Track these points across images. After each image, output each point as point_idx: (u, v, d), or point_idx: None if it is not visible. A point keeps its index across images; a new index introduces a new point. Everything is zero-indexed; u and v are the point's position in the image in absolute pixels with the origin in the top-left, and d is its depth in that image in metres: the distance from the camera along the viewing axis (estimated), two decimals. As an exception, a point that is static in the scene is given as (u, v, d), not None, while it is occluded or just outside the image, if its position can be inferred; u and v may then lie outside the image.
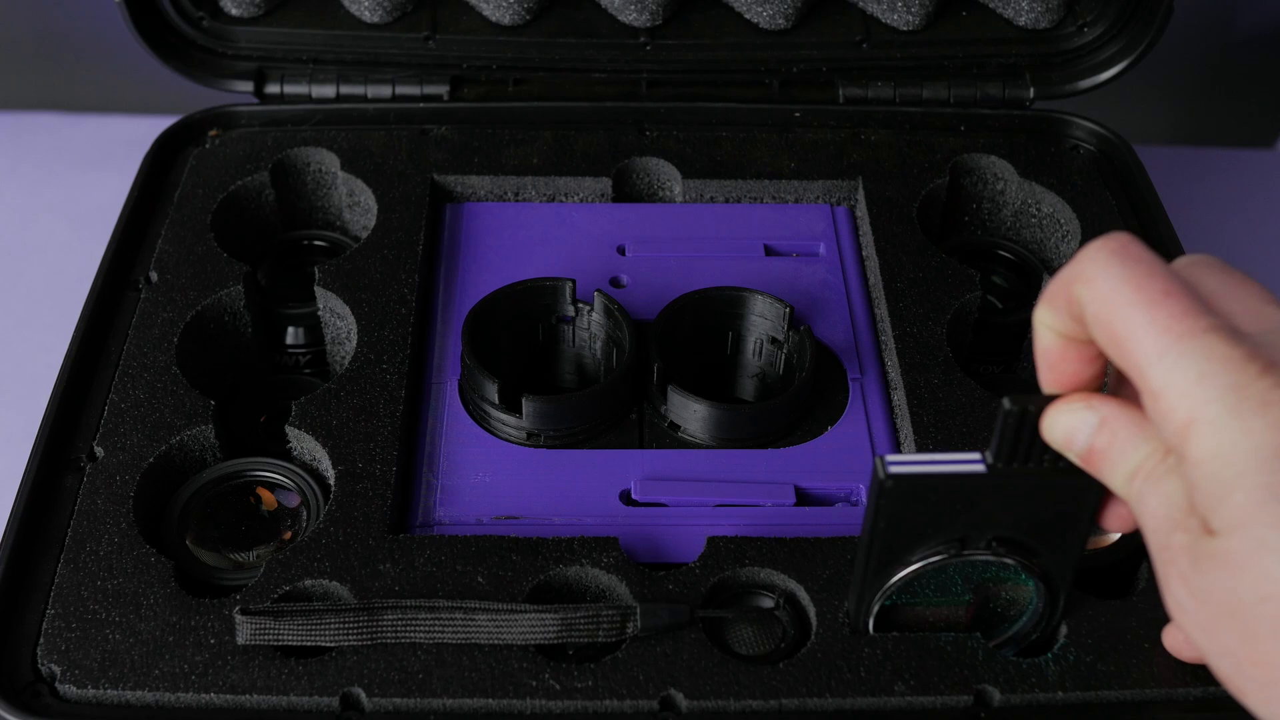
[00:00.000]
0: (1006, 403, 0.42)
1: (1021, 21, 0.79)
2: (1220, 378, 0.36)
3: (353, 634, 0.51)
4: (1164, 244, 0.70)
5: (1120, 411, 0.41)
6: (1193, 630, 0.39)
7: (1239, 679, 0.38)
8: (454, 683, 0.51)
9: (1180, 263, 0.41)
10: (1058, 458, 0.43)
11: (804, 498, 0.60)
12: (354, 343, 0.64)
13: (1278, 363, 0.37)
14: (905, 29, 0.79)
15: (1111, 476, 0.41)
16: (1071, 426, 0.42)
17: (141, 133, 0.80)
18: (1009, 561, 0.48)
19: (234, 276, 0.68)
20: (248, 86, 0.78)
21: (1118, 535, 0.57)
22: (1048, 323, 0.42)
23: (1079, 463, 0.42)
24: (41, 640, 0.52)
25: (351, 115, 0.78)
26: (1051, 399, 0.42)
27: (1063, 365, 0.42)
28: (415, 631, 0.51)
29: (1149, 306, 0.38)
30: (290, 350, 0.71)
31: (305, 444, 0.61)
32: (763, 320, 0.65)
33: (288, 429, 0.61)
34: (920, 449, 0.60)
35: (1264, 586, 0.36)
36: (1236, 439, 0.36)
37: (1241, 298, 0.40)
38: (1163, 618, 0.52)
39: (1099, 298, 0.39)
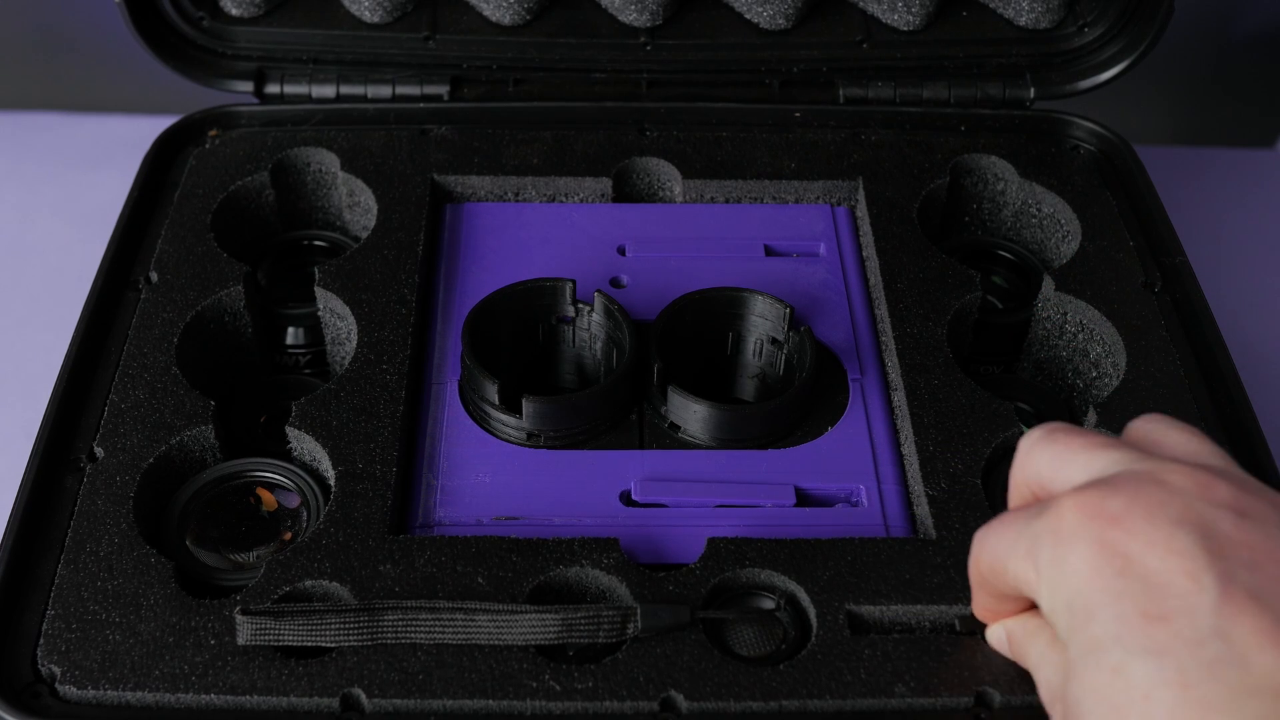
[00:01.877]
0: (957, 624, 0.53)
1: (1022, 21, 0.79)
2: (1043, 525, 0.41)
3: (353, 634, 0.51)
4: (1164, 244, 0.70)
5: (1019, 625, 0.49)
6: None
7: None
8: (454, 683, 0.51)
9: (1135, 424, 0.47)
10: None
11: (804, 498, 0.60)
12: (354, 343, 0.64)
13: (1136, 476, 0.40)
14: (905, 29, 0.79)
15: (1026, 663, 0.48)
16: (996, 640, 0.51)
17: (141, 133, 0.80)
18: None
19: (234, 276, 0.68)
20: (248, 86, 0.78)
21: None
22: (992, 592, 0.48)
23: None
24: (41, 640, 0.52)
25: (351, 115, 0.78)
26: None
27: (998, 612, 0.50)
28: (415, 632, 0.51)
29: (1050, 444, 0.44)
30: (290, 350, 0.71)
31: (305, 444, 0.61)
32: (763, 320, 0.65)
33: (288, 429, 0.61)
34: (920, 449, 0.60)
35: None
36: (1062, 585, 0.40)
37: (1179, 442, 0.44)
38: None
39: (1035, 464, 0.45)
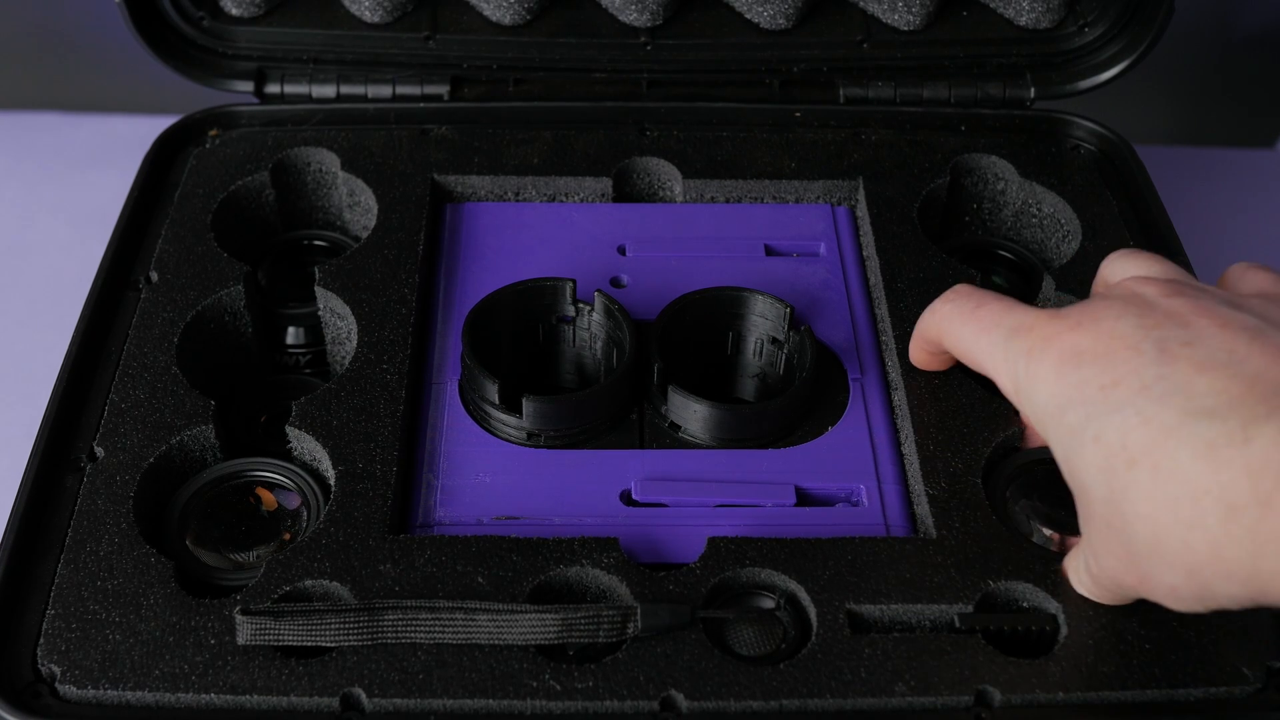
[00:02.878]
0: (957, 622, 0.53)
1: (1022, 21, 0.79)
2: (1018, 345, 0.49)
3: (353, 634, 0.51)
4: (1164, 244, 0.70)
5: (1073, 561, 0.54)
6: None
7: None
8: (454, 683, 0.51)
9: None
10: None
11: (804, 498, 0.60)
12: (354, 343, 0.64)
13: (1081, 321, 0.47)
14: (906, 29, 0.79)
15: (1083, 573, 0.53)
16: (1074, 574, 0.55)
17: (141, 133, 0.80)
18: None
19: (234, 276, 0.68)
20: (248, 86, 0.78)
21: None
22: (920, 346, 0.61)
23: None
24: (41, 640, 0.52)
25: (352, 115, 0.78)
26: None
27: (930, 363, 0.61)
28: (416, 632, 0.51)
29: (966, 322, 0.53)
30: (290, 350, 0.71)
31: (305, 444, 0.61)
32: (763, 320, 0.65)
33: (288, 429, 0.61)
34: (920, 449, 0.60)
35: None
36: (1038, 393, 0.48)
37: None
38: (1163, 619, 0.52)
39: (945, 330, 0.55)
